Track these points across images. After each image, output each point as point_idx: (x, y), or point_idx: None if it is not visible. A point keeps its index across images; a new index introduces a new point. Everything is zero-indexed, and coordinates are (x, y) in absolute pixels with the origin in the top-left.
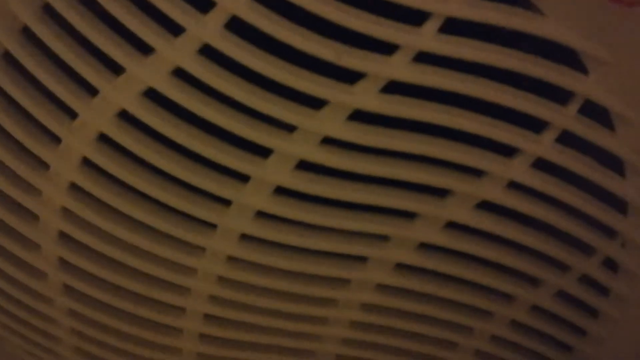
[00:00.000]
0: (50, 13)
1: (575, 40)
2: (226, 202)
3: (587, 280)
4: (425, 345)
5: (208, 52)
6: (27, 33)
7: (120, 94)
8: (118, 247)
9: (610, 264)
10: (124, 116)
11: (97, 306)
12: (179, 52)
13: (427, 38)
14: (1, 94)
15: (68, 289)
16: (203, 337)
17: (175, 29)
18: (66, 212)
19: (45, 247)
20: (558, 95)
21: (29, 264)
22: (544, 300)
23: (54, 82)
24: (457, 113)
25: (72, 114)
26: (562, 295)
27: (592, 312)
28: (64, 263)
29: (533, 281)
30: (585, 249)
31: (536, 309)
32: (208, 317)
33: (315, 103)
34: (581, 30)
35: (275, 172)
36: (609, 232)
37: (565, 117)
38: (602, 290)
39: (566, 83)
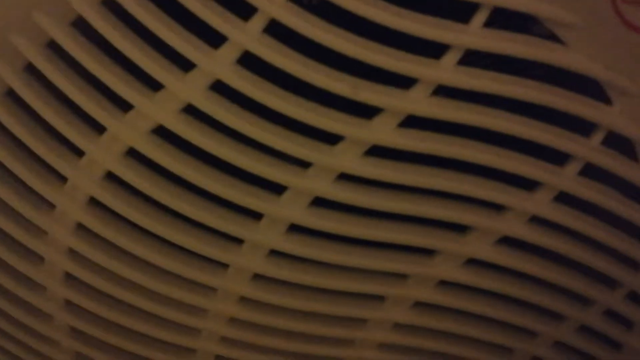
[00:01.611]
0: (54, 49)
1: (598, 71)
2: (238, 241)
3: (610, 313)
4: None
5: (218, 87)
6: (31, 70)
7: (129, 131)
8: (126, 288)
9: (634, 297)
10: (132, 154)
11: (105, 349)
12: (189, 89)
13: (446, 71)
14: (4, 132)
15: (74, 332)
16: None
17: (185, 65)
18: (72, 253)
19: (51, 289)
20: (575, 125)
21: (34, 306)
22: (567, 335)
23: (60, 120)
24: (476, 147)
25: (79, 152)
26: (585, 329)
27: (615, 345)
28: (70, 305)
29: (555, 316)
30: (608, 282)
31: (558, 344)
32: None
33: (330, 137)
34: (604, 60)
35: (289, 209)
36: (633, 265)
37: (588, 149)
38: (626, 323)
39: (589, 114)
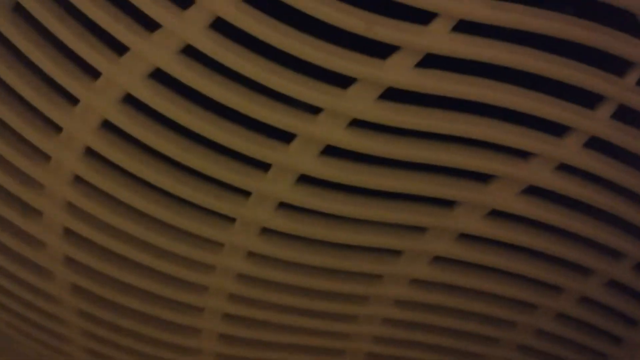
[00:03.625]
0: None
1: (635, 3)
2: (245, 193)
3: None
4: (464, 341)
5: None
6: (20, 12)
7: (125, 74)
8: (127, 243)
9: None
10: (130, 101)
11: (107, 306)
12: (189, 27)
13: (469, 3)
14: None
15: (76, 289)
16: (222, 337)
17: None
18: (71, 207)
19: (51, 245)
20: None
21: (34, 263)
22: (594, 290)
23: (53, 65)
24: (501, 88)
25: (73, 100)
26: (613, 284)
27: None
28: (71, 261)
29: (583, 270)
30: (637, 234)
31: (585, 300)
32: (227, 317)
33: (341, 80)
34: None
35: (298, 158)
36: None
37: (622, 89)
38: None
39: (623, 50)
